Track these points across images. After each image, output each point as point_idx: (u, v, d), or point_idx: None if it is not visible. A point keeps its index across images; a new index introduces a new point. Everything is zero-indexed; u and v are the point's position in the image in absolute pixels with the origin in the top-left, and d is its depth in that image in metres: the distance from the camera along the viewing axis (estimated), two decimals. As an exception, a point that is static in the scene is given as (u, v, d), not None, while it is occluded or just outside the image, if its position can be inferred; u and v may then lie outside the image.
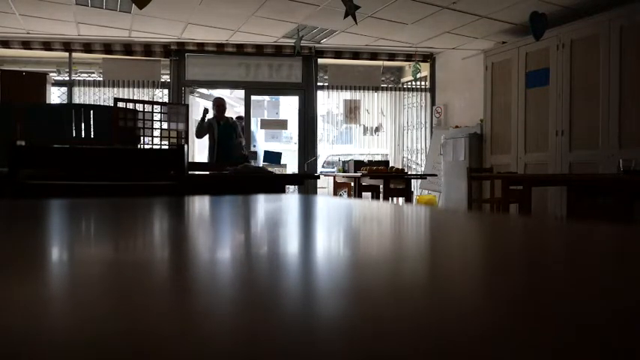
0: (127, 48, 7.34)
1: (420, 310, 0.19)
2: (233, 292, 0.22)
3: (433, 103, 8.33)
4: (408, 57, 7.96)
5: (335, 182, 7.25)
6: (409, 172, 7.04)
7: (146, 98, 7.29)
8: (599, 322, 0.17)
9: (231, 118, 6.35)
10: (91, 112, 4.67)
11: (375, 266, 0.29)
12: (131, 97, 7.17)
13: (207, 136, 6.15)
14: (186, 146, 1.57)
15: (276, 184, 2.48)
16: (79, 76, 7.61)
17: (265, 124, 8.24)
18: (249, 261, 0.31)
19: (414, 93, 8.52)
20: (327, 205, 0.81)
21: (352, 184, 6.57)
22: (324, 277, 0.26)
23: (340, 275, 0.26)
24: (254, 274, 0.26)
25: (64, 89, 7.45)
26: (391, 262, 0.31)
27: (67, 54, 7.29)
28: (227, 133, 6.01)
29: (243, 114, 8.08)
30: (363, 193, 6.46)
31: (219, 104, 6.07)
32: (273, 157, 6.98)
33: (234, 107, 12.87)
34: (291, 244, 0.41)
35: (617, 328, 0.17)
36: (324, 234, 0.49)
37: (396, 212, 0.69)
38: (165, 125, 5.67)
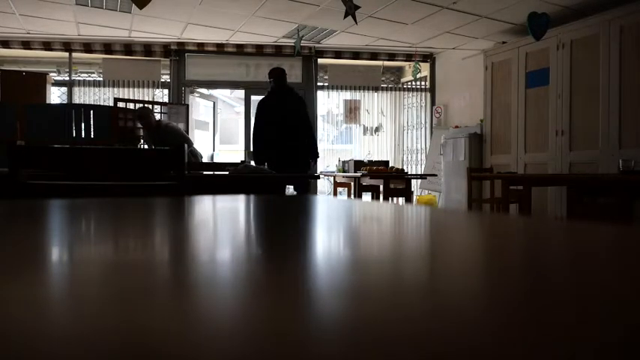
0: (127, 48, 7.34)
1: (426, 313, 0.19)
2: (233, 292, 0.22)
3: (433, 103, 8.33)
4: (408, 57, 7.96)
5: (335, 182, 7.25)
6: (409, 172, 7.04)
7: (146, 98, 7.30)
8: (599, 322, 0.17)
9: (163, 124, 5.24)
10: (91, 112, 4.68)
11: (385, 268, 0.29)
12: (131, 97, 7.17)
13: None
14: (186, 146, 1.57)
15: (275, 184, 2.48)
16: (79, 76, 7.61)
17: (265, 124, 8.24)
18: (249, 261, 0.31)
19: (414, 93, 8.52)
20: (328, 205, 0.81)
21: (352, 184, 6.57)
22: (329, 279, 0.26)
23: (344, 276, 0.26)
24: (254, 275, 0.26)
25: (64, 89, 7.45)
26: (399, 264, 0.31)
27: (67, 54, 7.29)
28: (161, 145, 4.93)
29: (243, 114, 8.07)
30: (363, 193, 6.46)
31: (138, 119, 5.10)
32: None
33: (235, 107, 12.87)
34: (293, 245, 0.41)
35: (618, 329, 0.17)
36: (326, 234, 0.49)
37: (400, 213, 0.69)
38: (165, 125, 5.64)
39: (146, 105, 6.19)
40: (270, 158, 4.42)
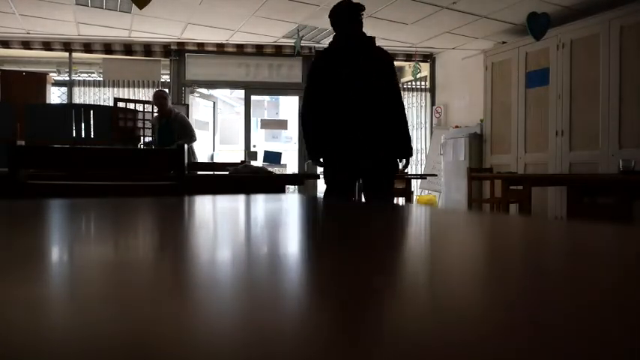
0: (127, 48, 7.34)
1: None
2: (233, 294, 0.22)
3: (433, 103, 8.33)
4: (408, 57, 7.96)
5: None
6: (409, 172, 7.02)
7: (146, 98, 7.29)
8: (600, 322, 0.17)
9: (175, 112, 5.20)
10: (91, 112, 4.66)
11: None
12: (131, 97, 7.16)
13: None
14: (186, 146, 1.57)
15: (276, 184, 2.48)
16: (79, 76, 7.61)
17: (265, 124, 8.23)
18: (248, 262, 0.31)
19: (414, 93, 8.52)
20: (329, 207, 0.81)
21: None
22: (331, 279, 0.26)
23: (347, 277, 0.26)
24: (253, 276, 0.26)
25: (64, 89, 7.45)
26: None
27: (67, 54, 7.29)
28: (166, 132, 4.96)
29: (243, 114, 8.06)
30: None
31: (154, 98, 5.09)
32: (273, 157, 6.99)
33: (235, 107, 12.85)
34: (293, 245, 0.41)
35: (619, 330, 0.17)
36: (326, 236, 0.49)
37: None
38: (165, 125, 5.63)
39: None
40: (326, 152, 2.81)
